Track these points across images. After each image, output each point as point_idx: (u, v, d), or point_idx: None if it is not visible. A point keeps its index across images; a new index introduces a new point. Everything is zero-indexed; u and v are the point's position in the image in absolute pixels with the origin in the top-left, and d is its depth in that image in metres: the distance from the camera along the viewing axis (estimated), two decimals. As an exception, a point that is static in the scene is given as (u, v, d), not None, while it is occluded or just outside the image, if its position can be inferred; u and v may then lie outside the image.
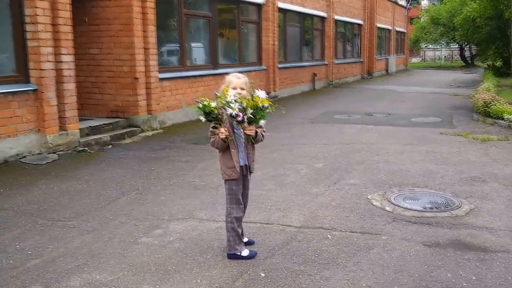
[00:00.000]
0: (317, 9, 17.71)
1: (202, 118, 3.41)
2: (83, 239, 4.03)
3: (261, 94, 3.36)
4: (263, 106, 3.35)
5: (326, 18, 18.69)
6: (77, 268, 3.49)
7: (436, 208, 4.75)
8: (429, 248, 3.82)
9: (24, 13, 6.59)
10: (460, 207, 4.76)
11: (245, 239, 3.81)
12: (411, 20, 38.05)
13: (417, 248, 3.83)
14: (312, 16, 17.57)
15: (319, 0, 17.85)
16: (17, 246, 3.88)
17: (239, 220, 3.60)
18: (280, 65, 14.46)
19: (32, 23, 6.60)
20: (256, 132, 3.50)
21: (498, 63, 23.60)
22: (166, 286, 3.21)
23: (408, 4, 35.24)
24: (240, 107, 3.30)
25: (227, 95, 3.32)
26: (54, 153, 6.99)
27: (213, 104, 3.34)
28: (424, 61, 46.97)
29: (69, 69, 7.17)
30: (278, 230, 4.16)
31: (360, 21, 23.34)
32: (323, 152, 7.20)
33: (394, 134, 8.77)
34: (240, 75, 3.57)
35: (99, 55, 8.79)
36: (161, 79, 9.24)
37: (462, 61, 39.79)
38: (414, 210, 4.68)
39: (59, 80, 7.04)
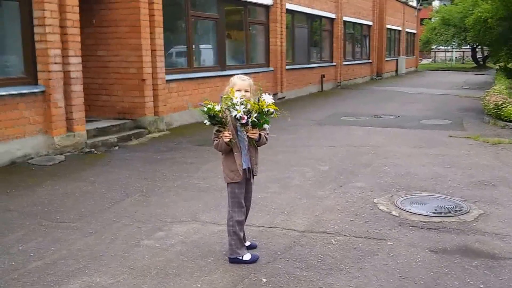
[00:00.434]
0: (326, 10, 17.62)
1: (207, 122, 3.38)
2: (85, 241, 4.02)
3: (267, 98, 3.32)
4: (268, 111, 3.32)
5: (334, 19, 18.60)
6: (78, 270, 3.48)
7: (443, 213, 4.66)
8: (435, 254, 3.75)
9: (33, 15, 6.63)
10: (468, 212, 4.67)
11: (247, 243, 3.77)
12: (421, 21, 37.73)
13: (423, 254, 3.76)
14: (320, 17, 17.49)
15: (328, 1, 17.77)
16: (20, 248, 3.88)
17: (240, 223, 3.56)
18: (287, 66, 14.41)
19: (40, 25, 6.64)
20: (260, 135, 3.46)
21: (511, 65, 23.28)
22: (166, 291, 3.18)
23: (419, 5, 34.97)
24: (245, 109, 3.27)
25: (233, 96, 3.29)
26: (61, 154, 7.01)
27: (217, 108, 3.30)
28: (435, 63, 46.57)
29: (77, 70, 7.19)
30: (281, 234, 4.11)
31: (369, 22, 23.19)
32: (329, 155, 7.13)
33: (402, 137, 8.67)
34: (245, 77, 3.54)
35: (106, 57, 8.81)
36: (168, 81, 9.25)
37: (473, 63, 39.37)
38: (421, 214, 4.60)
39: (66, 82, 7.06)
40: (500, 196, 5.16)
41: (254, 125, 3.35)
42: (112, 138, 8.02)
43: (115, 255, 3.73)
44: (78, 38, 7.16)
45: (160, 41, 8.80)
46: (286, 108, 12.76)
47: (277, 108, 3.36)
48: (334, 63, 18.92)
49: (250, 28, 12.96)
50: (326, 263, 3.57)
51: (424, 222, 4.41)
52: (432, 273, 3.43)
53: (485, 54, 37.14)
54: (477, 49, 38.59)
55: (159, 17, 8.71)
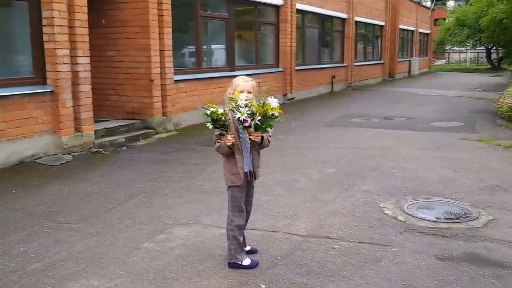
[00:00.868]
0: (337, 10, 17.48)
1: (209, 125, 3.33)
2: (86, 243, 4.00)
3: (273, 102, 3.25)
4: (272, 115, 3.26)
5: (346, 19, 18.44)
6: (76, 273, 3.46)
7: (451, 218, 4.56)
8: (441, 262, 3.65)
9: (42, 15, 6.65)
10: (477, 218, 4.56)
11: (248, 248, 3.72)
12: (435, 21, 37.28)
13: (429, 261, 3.67)
14: (331, 17, 17.35)
15: (339, 1, 17.62)
16: (21, 249, 3.88)
17: (240, 228, 3.51)
18: (297, 67, 14.31)
19: (49, 25, 6.66)
20: (262, 137, 3.40)
21: (526, 66, 22.88)
22: (163, 295, 3.15)
23: (433, 5, 34.54)
24: (249, 112, 3.21)
25: (238, 98, 3.24)
26: (69, 154, 7.04)
27: (220, 111, 3.25)
28: (448, 64, 45.97)
29: (85, 71, 7.21)
30: (283, 239, 4.05)
31: (381, 22, 22.96)
32: (337, 157, 7.05)
33: (412, 139, 8.54)
34: (248, 78, 3.49)
35: (116, 57, 8.83)
36: (177, 81, 9.23)
37: (488, 64, 38.77)
38: (428, 220, 4.50)
39: (75, 82, 7.08)
40: (511, 201, 5.03)
41: (257, 128, 3.30)
42: (120, 138, 8.03)
43: (115, 258, 3.70)
44: (87, 38, 7.17)
45: (168, 41, 8.79)
46: (296, 109, 12.70)
47: (282, 112, 3.29)
48: (345, 64, 18.77)
49: (260, 28, 12.89)
50: (328, 270, 3.50)
51: (431, 228, 4.31)
52: (437, 281, 3.34)
53: (500, 56, 36.54)
54: (491, 50, 37.99)
55: (168, 17, 8.70)
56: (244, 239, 3.65)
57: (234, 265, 3.49)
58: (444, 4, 44.95)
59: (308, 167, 6.47)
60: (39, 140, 6.74)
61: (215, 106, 3.25)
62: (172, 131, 9.06)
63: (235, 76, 3.56)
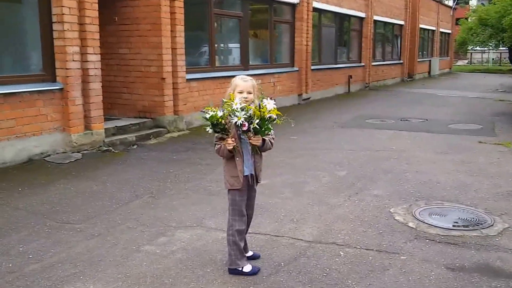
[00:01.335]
0: (355, 9, 17.20)
1: (209, 130, 3.20)
2: (86, 244, 3.93)
3: (269, 105, 3.11)
4: (269, 118, 3.12)
5: (364, 18, 18.14)
6: (73, 276, 3.39)
7: (465, 226, 4.35)
8: (452, 272, 3.48)
9: (52, 12, 6.64)
10: (492, 225, 4.35)
11: (250, 253, 3.60)
12: (457, 20, 36.50)
13: (438, 271, 3.49)
14: (349, 16, 17.09)
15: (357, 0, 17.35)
16: (20, 249, 3.83)
17: (241, 233, 3.39)
18: (313, 67, 14.10)
19: (59, 22, 6.64)
20: (264, 140, 3.26)
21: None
22: (159, 301, 3.05)
23: (455, 4, 33.81)
24: (245, 116, 3.08)
25: (233, 102, 3.11)
26: (78, 152, 7.02)
27: (219, 113, 3.12)
28: (470, 64, 44.99)
29: (95, 68, 7.17)
30: (287, 244, 3.91)
31: (401, 22, 22.55)
32: (349, 159, 6.87)
33: (428, 141, 8.30)
34: (247, 77, 3.35)
35: (128, 55, 8.79)
36: (189, 80, 9.15)
37: (511, 64, 37.80)
38: (440, 227, 4.30)
39: (85, 80, 7.05)
40: (529, 209, 4.80)
41: (257, 132, 3.17)
42: (131, 137, 7.99)
43: (113, 261, 3.62)
44: (97, 35, 7.13)
45: (181, 39, 8.71)
46: (310, 109, 12.52)
47: (280, 113, 3.15)
48: (363, 64, 18.47)
49: (275, 27, 12.73)
50: (332, 278, 3.36)
51: (443, 235, 4.12)
52: (446, 294, 3.17)
53: (524, 56, 35.57)
54: (515, 51, 37.01)
55: (180, 15, 8.62)
56: (245, 244, 3.53)
57: (234, 271, 3.37)
58: (467, 3, 44.02)
59: (319, 169, 6.31)
60: (48, 137, 6.73)
61: (214, 109, 3.12)
62: (184, 130, 8.99)
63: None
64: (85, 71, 7.03)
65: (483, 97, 16.09)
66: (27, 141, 6.46)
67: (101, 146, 7.38)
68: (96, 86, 7.23)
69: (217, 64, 10.41)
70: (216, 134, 3.31)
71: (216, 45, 10.43)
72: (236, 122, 3.08)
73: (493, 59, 44.65)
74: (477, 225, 4.36)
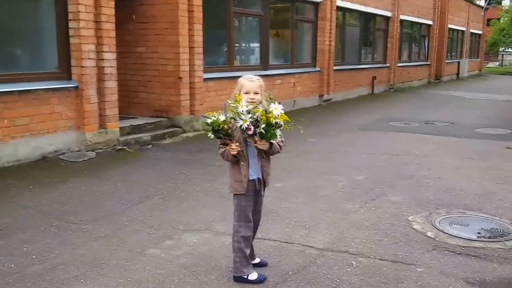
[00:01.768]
0: (381, 8, 16.80)
1: (211, 135, 3.05)
2: (91, 246, 3.84)
3: (276, 110, 2.93)
4: (276, 123, 2.94)
5: (390, 17, 17.71)
6: (74, 278, 3.29)
7: (487, 237, 4.08)
8: (471, 287, 3.24)
9: (68, 10, 6.62)
10: (518, 237, 4.07)
11: (257, 260, 3.44)
12: (488, 21, 35.44)
13: (457, 285, 3.26)
14: (374, 15, 16.71)
15: (383, -2, 16.96)
16: (25, 249, 3.76)
17: (247, 239, 3.22)
18: (336, 67, 13.82)
19: (75, 20, 6.61)
20: (271, 143, 3.09)
21: None
22: (157, 309, 2.91)
23: (486, 4, 32.82)
24: (251, 119, 2.91)
25: (239, 104, 2.95)
26: (92, 151, 6.98)
27: (222, 118, 2.97)
28: (502, 66, 43.65)
29: (111, 66, 7.13)
30: (297, 252, 3.73)
31: (429, 21, 21.97)
32: (368, 163, 6.62)
33: (452, 146, 7.96)
34: (254, 77, 3.19)
35: (145, 54, 8.74)
36: (206, 79, 9.04)
37: (544, 66, 36.53)
38: (461, 238, 4.04)
39: (100, 78, 7.01)
40: (559, 220, 4.48)
41: (262, 137, 3.00)
42: (146, 136, 7.93)
43: (117, 264, 3.51)
44: (113, 34, 7.09)
45: (199, 38, 8.61)
46: (331, 111, 12.26)
47: (288, 119, 2.97)
48: (388, 65, 18.05)
49: (296, 26, 12.51)
50: (341, 290, 3.16)
51: (463, 246, 3.87)
52: (465, 311, 2.94)
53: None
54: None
55: (198, 13, 8.51)
56: (252, 251, 3.37)
57: (240, 279, 3.21)
58: (499, 3, 42.72)
59: (336, 173, 6.09)
60: (63, 136, 6.72)
61: (216, 114, 2.96)
62: (199, 131, 8.87)
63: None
64: (101, 69, 7.00)
65: (513, 100, 15.50)
66: (41, 139, 6.45)
67: (115, 145, 7.33)
68: (111, 84, 7.18)
69: (235, 63, 10.27)
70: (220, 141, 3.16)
71: (235, 44, 10.29)
72: (241, 126, 2.92)
73: (525, 61, 43.23)
74: (501, 237, 4.08)
